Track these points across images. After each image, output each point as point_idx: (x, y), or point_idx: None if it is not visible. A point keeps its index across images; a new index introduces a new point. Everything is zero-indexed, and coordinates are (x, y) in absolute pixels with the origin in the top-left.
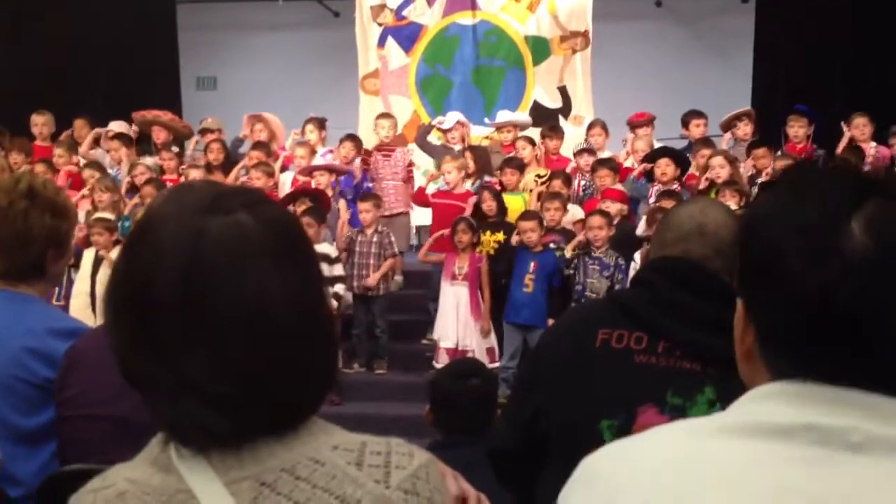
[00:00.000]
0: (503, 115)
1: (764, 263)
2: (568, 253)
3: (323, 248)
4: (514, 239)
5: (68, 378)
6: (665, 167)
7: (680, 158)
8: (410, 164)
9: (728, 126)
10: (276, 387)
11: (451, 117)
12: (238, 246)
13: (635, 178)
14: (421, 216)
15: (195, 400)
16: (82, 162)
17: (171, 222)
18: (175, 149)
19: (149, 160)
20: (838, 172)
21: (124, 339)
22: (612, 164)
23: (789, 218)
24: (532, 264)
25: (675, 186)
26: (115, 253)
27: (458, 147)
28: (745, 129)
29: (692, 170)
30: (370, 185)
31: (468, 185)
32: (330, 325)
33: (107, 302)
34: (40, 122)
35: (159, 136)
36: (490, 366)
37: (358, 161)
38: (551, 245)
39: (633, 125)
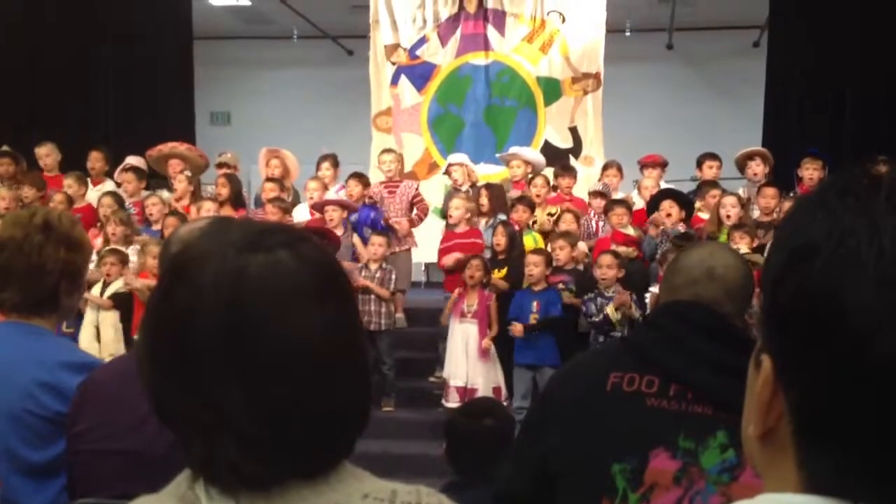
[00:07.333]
0: (514, 149)
1: (821, 316)
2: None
3: None
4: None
5: (80, 412)
6: (669, 209)
7: (684, 200)
8: (415, 198)
9: (742, 164)
10: (313, 428)
11: (453, 158)
12: (279, 285)
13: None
14: (426, 253)
15: (231, 439)
16: (91, 194)
17: (212, 259)
18: (188, 173)
19: (165, 194)
20: None
21: (161, 375)
22: (626, 204)
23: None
24: (535, 304)
25: (682, 227)
26: (119, 282)
27: (464, 188)
28: (756, 168)
29: (701, 212)
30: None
31: (482, 223)
32: (366, 364)
33: (142, 337)
34: (44, 154)
35: (175, 168)
36: None
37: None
38: (560, 285)
39: (642, 165)
